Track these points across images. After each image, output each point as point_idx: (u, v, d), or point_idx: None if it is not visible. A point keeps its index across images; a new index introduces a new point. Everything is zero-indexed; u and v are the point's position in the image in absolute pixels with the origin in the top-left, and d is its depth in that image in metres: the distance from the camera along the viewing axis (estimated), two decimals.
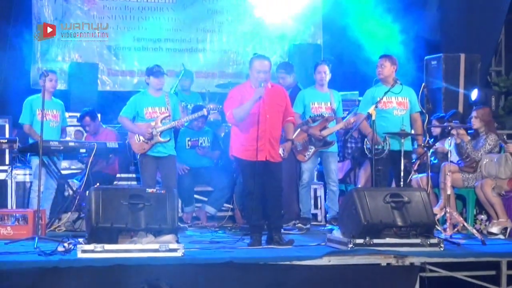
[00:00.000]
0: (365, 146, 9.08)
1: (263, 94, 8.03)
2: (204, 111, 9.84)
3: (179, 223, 7.85)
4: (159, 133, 9.26)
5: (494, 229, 9.09)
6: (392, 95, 9.11)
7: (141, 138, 9.27)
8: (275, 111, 8.20)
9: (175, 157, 9.53)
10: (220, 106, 9.93)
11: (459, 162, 9.59)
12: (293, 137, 9.27)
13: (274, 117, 8.20)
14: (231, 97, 8.26)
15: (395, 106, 9.16)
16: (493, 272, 7.76)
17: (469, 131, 9.70)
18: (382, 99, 8.96)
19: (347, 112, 10.74)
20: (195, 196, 10.57)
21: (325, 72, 9.80)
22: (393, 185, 9.15)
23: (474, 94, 11.95)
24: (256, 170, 8.06)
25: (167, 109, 9.36)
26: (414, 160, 9.54)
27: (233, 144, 8.29)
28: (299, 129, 9.66)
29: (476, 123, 9.58)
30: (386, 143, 8.88)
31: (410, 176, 9.29)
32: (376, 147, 8.84)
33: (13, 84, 12.38)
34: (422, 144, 9.23)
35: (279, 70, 10.22)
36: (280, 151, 8.31)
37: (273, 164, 8.19)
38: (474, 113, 9.69)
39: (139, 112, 9.33)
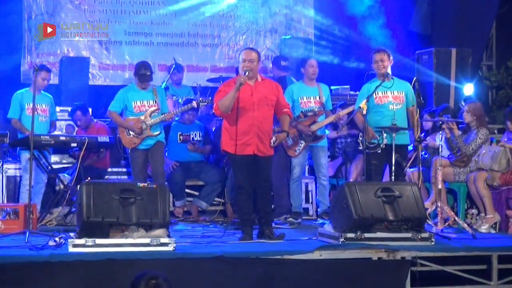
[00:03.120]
0: (359, 139, 9.02)
1: (244, 82, 7.99)
2: (194, 104, 9.87)
3: (170, 218, 7.84)
4: (149, 127, 9.27)
5: (484, 228, 9.07)
6: (387, 89, 9.07)
7: (131, 132, 9.27)
8: (264, 105, 8.15)
9: (163, 143, 9.55)
10: (210, 98, 9.95)
11: (450, 156, 9.59)
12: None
13: (263, 111, 8.16)
14: (219, 90, 8.24)
15: (391, 100, 9.10)
16: (484, 266, 7.77)
17: (460, 126, 9.71)
18: (373, 94, 8.93)
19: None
20: (186, 190, 10.56)
21: (316, 66, 9.82)
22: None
23: (469, 89, 11.98)
24: (245, 164, 8.07)
25: (156, 102, 9.37)
26: (410, 151, 9.54)
27: (223, 138, 8.28)
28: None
29: (467, 117, 9.58)
30: (382, 137, 8.84)
31: (404, 171, 9.27)
32: (371, 141, 8.80)
33: (3, 79, 12.34)
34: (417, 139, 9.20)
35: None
36: (272, 140, 8.24)
37: (262, 159, 8.17)
38: (465, 107, 9.70)
39: (128, 106, 9.34)
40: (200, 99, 10.15)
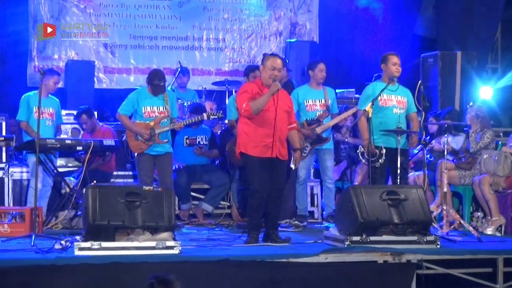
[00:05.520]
0: (359, 152, 8.97)
1: (280, 88, 8.11)
2: (204, 116, 9.85)
3: (176, 221, 7.84)
4: (158, 135, 9.24)
5: (489, 231, 9.06)
6: (392, 93, 9.08)
7: (140, 137, 9.24)
8: (283, 112, 8.21)
9: (172, 154, 9.53)
10: (221, 112, 9.98)
11: (456, 159, 9.57)
12: None
13: (283, 118, 8.20)
14: (245, 90, 8.23)
15: (395, 104, 9.12)
16: (489, 269, 7.77)
17: (464, 128, 9.72)
18: (379, 96, 8.93)
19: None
20: (192, 193, 10.57)
21: (325, 70, 9.78)
22: (390, 182, 9.14)
23: (487, 92, 11.98)
24: (263, 168, 8.07)
25: (166, 108, 9.33)
26: (410, 158, 9.54)
27: (242, 140, 8.23)
28: None
29: (471, 120, 9.59)
30: (382, 154, 8.80)
31: (407, 174, 9.26)
32: (371, 158, 8.77)
33: (9, 82, 12.38)
34: (419, 140, 9.18)
35: None
36: (292, 165, 8.36)
37: (280, 162, 8.19)
38: (469, 110, 9.71)
39: (138, 110, 9.30)
40: (210, 112, 10.12)
